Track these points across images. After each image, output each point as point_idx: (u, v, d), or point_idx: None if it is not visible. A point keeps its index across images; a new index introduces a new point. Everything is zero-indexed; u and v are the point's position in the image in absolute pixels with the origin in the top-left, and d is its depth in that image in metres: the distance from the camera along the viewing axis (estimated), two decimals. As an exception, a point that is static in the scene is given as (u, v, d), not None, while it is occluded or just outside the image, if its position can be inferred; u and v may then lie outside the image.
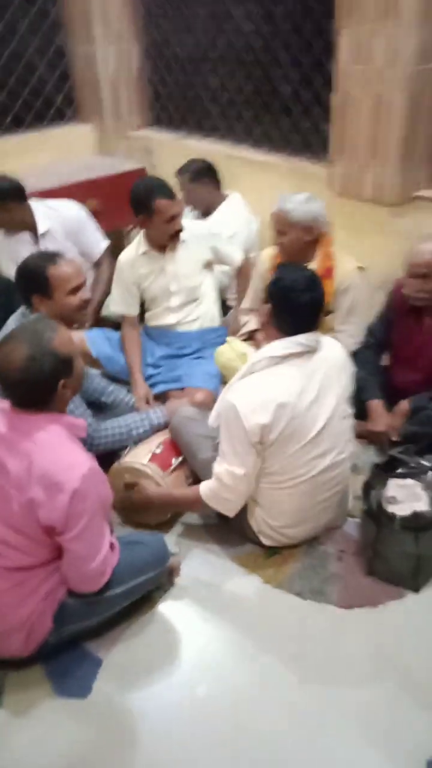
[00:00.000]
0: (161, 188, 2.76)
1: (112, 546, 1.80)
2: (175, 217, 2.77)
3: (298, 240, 2.66)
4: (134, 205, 2.79)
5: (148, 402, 2.75)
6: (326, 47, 3.07)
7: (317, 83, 3.24)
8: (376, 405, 2.54)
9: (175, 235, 2.84)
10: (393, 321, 2.58)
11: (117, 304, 3.02)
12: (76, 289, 2.26)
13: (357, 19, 2.69)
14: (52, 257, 2.28)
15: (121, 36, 4.10)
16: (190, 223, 2.98)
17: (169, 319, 3.01)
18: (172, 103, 4.16)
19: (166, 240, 2.84)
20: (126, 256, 2.98)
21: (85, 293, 2.30)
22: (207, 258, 2.97)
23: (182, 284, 2.94)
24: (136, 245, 2.96)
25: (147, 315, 3.07)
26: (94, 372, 2.65)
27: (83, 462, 1.67)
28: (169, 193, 2.76)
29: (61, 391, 1.73)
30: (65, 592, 1.77)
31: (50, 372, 1.68)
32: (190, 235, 2.90)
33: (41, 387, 1.69)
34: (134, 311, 3.01)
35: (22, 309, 2.33)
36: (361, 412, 2.55)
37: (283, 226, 2.64)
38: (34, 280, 2.23)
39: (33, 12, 3.98)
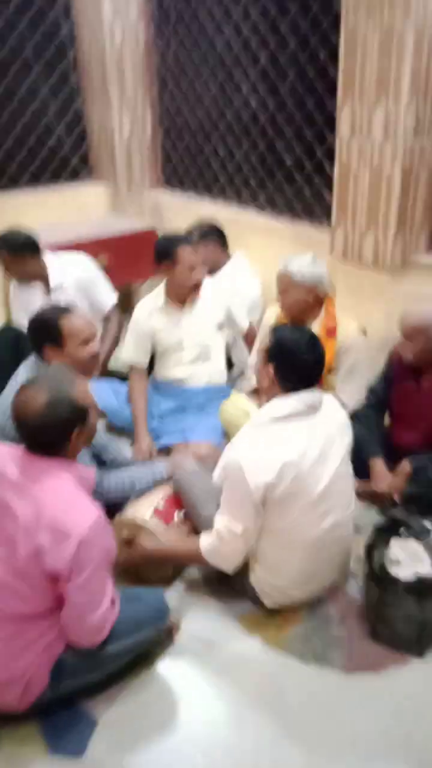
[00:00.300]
0: (184, 238, 2.91)
1: (112, 601, 1.80)
2: (196, 267, 2.86)
3: (302, 301, 2.73)
4: (158, 254, 2.89)
5: (150, 456, 2.78)
6: (328, 121, 3.24)
7: (319, 154, 3.40)
8: (379, 464, 2.56)
9: (195, 287, 2.91)
10: (393, 381, 2.62)
11: (129, 353, 3.07)
12: (86, 341, 2.32)
13: (357, 96, 2.85)
14: (64, 309, 2.35)
15: (136, 103, 4.32)
16: (210, 282, 3.06)
17: (178, 373, 3.05)
18: (183, 167, 4.34)
19: (186, 291, 2.92)
20: (144, 306, 3.04)
21: (94, 346, 2.36)
22: (221, 318, 3.04)
23: (195, 340, 3.00)
24: (155, 296, 3.03)
25: (156, 367, 3.12)
26: (99, 426, 2.68)
27: (92, 511, 1.70)
28: (189, 243, 2.89)
29: (75, 440, 1.77)
30: (63, 646, 1.76)
31: (67, 419, 1.74)
32: (209, 294, 2.98)
33: (57, 433, 1.74)
34: (144, 362, 3.06)
35: (33, 357, 2.38)
36: (361, 471, 2.56)
37: (287, 286, 2.71)
38: (47, 330, 2.29)
39: (54, 76, 4.20)
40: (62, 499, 1.70)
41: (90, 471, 1.85)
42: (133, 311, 3.08)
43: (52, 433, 1.74)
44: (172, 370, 3.06)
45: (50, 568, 1.65)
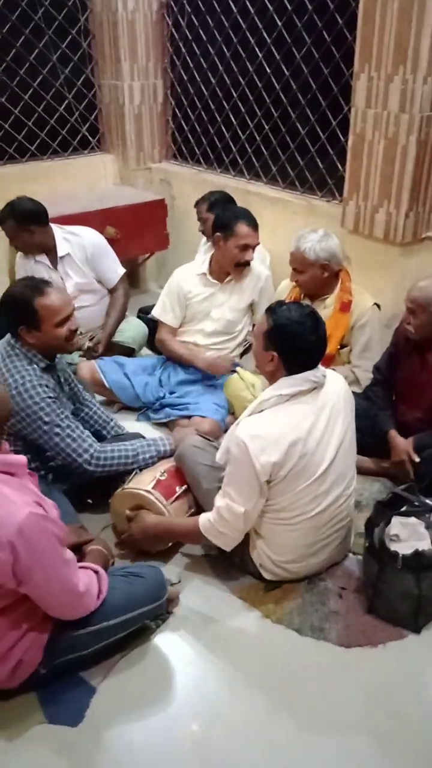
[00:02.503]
0: (248, 216, 2.90)
1: (94, 571, 1.77)
2: (248, 247, 2.86)
3: (316, 277, 2.71)
4: (216, 223, 2.92)
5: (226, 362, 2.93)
6: (343, 90, 3.16)
7: (334, 124, 3.32)
8: (396, 435, 2.51)
9: (239, 266, 2.90)
10: (398, 358, 2.59)
11: (164, 313, 3.09)
12: (64, 321, 2.20)
13: (374, 64, 2.77)
14: (39, 287, 2.20)
15: (148, 72, 4.24)
16: (257, 265, 3.07)
17: (198, 339, 3.08)
18: (194, 138, 4.26)
19: (231, 267, 2.92)
20: (184, 270, 3.08)
21: (73, 323, 2.24)
22: (253, 299, 3.06)
23: (224, 314, 3.03)
24: (199, 264, 3.06)
25: (179, 330, 3.13)
26: (95, 401, 2.63)
27: (18, 511, 1.55)
28: (253, 224, 2.88)
29: None
30: (52, 625, 1.73)
31: None
32: (251, 276, 3.00)
33: None
34: (176, 324, 3.09)
35: (7, 338, 2.26)
36: (376, 448, 2.55)
37: (301, 265, 2.70)
38: (22, 311, 2.16)
39: (65, 44, 4.12)
40: None
41: (16, 457, 1.72)
42: (172, 273, 3.10)
43: None
44: (193, 334, 3.10)
45: None
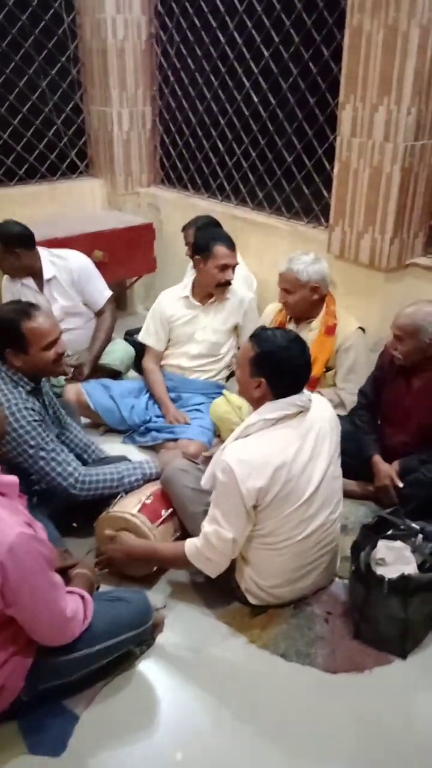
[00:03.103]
0: (225, 238, 2.95)
1: (81, 596, 1.74)
2: (227, 267, 2.90)
3: (305, 299, 2.75)
4: (195, 246, 2.98)
5: (181, 421, 2.93)
6: (329, 119, 3.23)
7: (320, 152, 3.38)
8: (380, 460, 2.53)
9: (220, 287, 2.94)
10: (383, 382, 2.61)
11: (148, 336, 3.13)
12: (51, 345, 2.20)
13: (359, 95, 2.84)
14: (26, 311, 2.20)
15: (137, 99, 4.31)
16: (239, 287, 3.12)
17: (183, 362, 3.10)
18: (182, 164, 4.32)
19: (212, 288, 2.96)
20: (168, 293, 3.12)
21: (60, 347, 2.25)
22: (237, 322, 3.07)
23: (207, 336, 3.05)
24: (182, 287, 3.10)
25: (165, 353, 3.16)
26: (76, 425, 2.61)
27: (8, 531, 1.53)
28: (230, 245, 2.93)
29: None
30: (36, 651, 1.70)
31: None
32: (234, 298, 3.03)
33: None
34: (161, 347, 3.12)
35: None
36: (361, 472, 2.56)
37: (292, 286, 2.73)
38: (9, 334, 2.16)
39: (54, 71, 4.18)
40: None
41: (9, 477, 1.70)
42: (158, 296, 3.15)
43: None
44: (177, 357, 3.12)
45: None
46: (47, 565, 1.62)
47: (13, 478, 1.72)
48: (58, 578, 1.68)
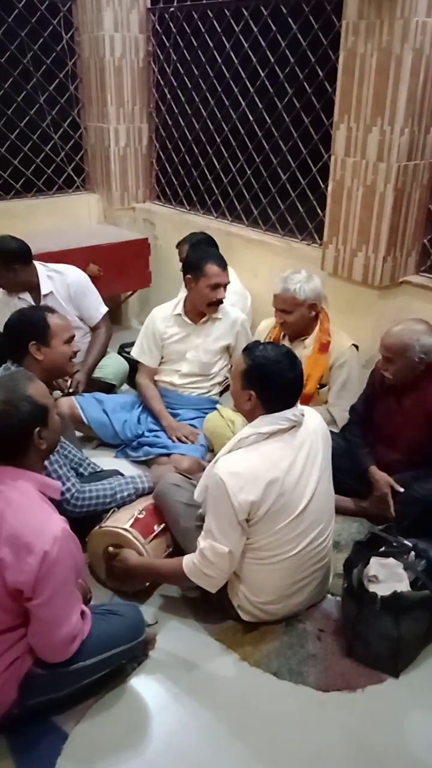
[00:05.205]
0: (216, 257, 2.94)
1: (83, 614, 1.75)
2: (219, 286, 2.90)
3: (304, 317, 2.76)
4: (186, 265, 2.97)
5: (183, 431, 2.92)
6: (324, 139, 3.27)
7: (314, 171, 3.42)
8: (375, 470, 2.52)
9: (212, 306, 2.93)
10: (374, 400, 2.62)
11: (141, 354, 3.12)
12: (69, 340, 2.39)
13: (353, 116, 2.89)
14: (48, 308, 2.43)
15: (134, 116, 4.36)
16: (231, 308, 3.12)
17: (175, 380, 3.09)
18: (177, 180, 4.36)
19: (204, 306, 2.95)
20: (160, 310, 3.10)
21: (74, 345, 2.44)
22: (230, 342, 3.07)
23: (199, 356, 3.04)
24: (174, 305, 3.08)
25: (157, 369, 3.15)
26: (69, 444, 2.62)
27: (56, 524, 1.62)
28: (221, 263, 2.92)
29: (37, 441, 1.70)
30: (32, 661, 1.70)
31: (25, 418, 1.67)
32: (226, 318, 3.03)
33: (16, 434, 1.68)
34: (155, 364, 3.11)
35: (6, 365, 2.34)
36: (354, 488, 2.56)
37: (290, 306, 2.73)
38: (34, 326, 2.31)
39: (52, 87, 4.23)
40: (24, 512, 1.62)
41: (54, 481, 1.78)
42: (150, 313, 3.14)
43: (10, 434, 1.67)
44: (169, 374, 3.12)
45: (12, 584, 1.58)
46: (74, 570, 1.68)
47: (57, 483, 1.79)
48: (77, 592, 1.73)
